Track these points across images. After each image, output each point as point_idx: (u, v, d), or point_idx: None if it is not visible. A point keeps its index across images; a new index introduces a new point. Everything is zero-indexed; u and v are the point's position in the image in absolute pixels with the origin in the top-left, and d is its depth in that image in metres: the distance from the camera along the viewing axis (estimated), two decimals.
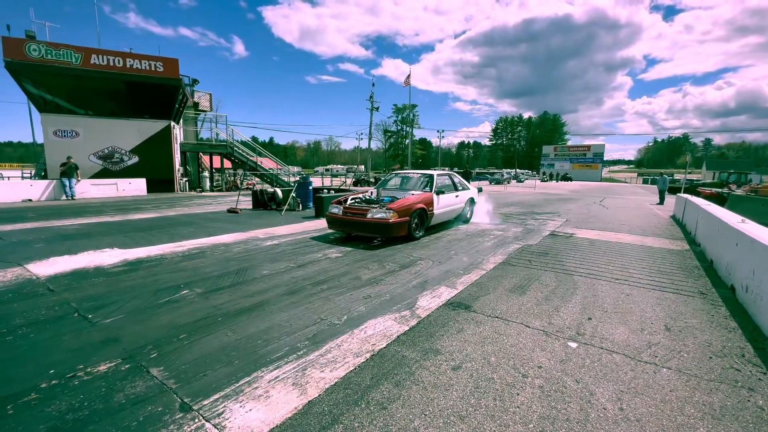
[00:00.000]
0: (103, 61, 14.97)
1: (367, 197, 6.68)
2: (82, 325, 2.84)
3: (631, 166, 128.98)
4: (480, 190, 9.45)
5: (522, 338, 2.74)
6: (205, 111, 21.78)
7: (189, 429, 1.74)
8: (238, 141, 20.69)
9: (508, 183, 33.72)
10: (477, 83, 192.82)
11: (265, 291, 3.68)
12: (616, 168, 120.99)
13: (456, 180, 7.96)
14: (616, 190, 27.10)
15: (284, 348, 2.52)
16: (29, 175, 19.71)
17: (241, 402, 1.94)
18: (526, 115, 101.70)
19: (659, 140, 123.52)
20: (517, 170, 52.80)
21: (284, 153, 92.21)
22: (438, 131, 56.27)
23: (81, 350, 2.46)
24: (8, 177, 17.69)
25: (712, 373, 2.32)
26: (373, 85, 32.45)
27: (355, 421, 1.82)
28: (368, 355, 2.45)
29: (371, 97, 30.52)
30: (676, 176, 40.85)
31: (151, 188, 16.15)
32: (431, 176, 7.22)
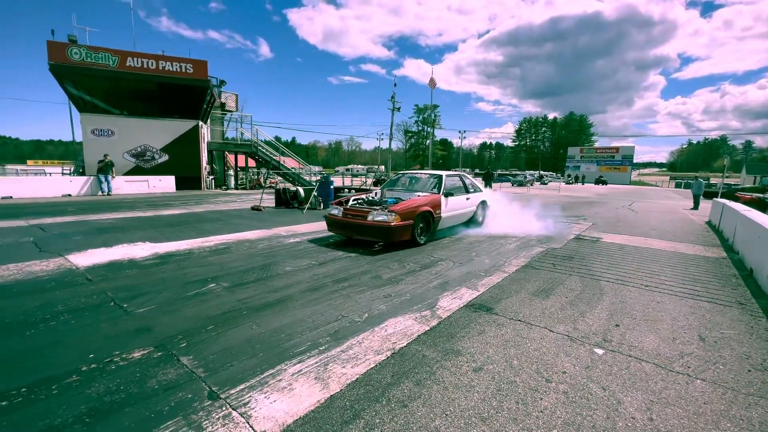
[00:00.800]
0: (137, 64, 15.68)
1: (370, 198, 6.40)
2: (117, 314, 3.00)
3: (663, 169, 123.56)
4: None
5: (545, 342, 2.68)
6: (231, 111, 22.41)
7: (217, 416, 1.80)
8: (262, 140, 21.18)
9: (531, 185, 32.98)
10: (500, 83, 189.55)
11: (288, 287, 3.76)
12: (646, 171, 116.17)
13: (467, 181, 7.51)
14: (647, 194, 26.01)
15: (307, 343, 2.57)
16: (69, 171, 20.89)
17: (265, 393, 2.00)
18: (551, 116, 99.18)
19: (694, 142, 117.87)
20: (541, 172, 51.54)
21: (306, 153, 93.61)
22: (459, 132, 55.63)
23: (117, 337, 2.59)
24: (50, 173, 18.80)
25: (750, 387, 2.20)
26: (395, 85, 32.47)
27: (377, 417, 1.84)
28: (389, 353, 2.46)
29: (393, 97, 30.55)
30: (712, 180, 38.81)
31: (179, 185, 16.77)
32: (440, 177, 6.78)
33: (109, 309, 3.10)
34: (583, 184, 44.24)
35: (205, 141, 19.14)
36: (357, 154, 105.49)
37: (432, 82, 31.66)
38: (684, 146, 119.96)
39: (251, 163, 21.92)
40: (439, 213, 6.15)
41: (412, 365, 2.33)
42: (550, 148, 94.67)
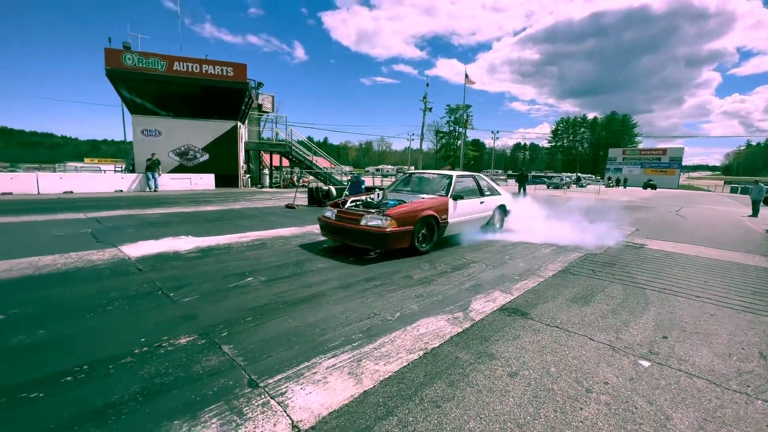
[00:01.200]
0: (183, 68, 16.60)
1: (369, 200, 5.77)
2: (165, 302, 3.19)
3: (716, 172, 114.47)
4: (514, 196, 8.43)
5: (585, 351, 2.57)
6: (267, 112, 23.20)
7: (256, 403, 1.88)
8: (295, 141, 21.79)
9: (568, 187, 31.63)
10: (536, 82, 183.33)
11: (321, 283, 3.85)
12: (696, 174, 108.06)
13: (483, 183, 6.80)
14: (697, 199, 24.21)
15: (340, 338, 2.62)
16: (120, 169, 22.50)
17: (301, 384, 2.06)
18: (590, 116, 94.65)
19: (753, 143, 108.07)
20: (579, 174, 49.29)
21: (337, 153, 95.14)
22: (492, 132, 54.48)
23: (165, 324, 2.77)
24: (105, 170, 20.34)
25: None
26: (428, 85, 32.28)
27: (410, 415, 1.85)
28: (421, 353, 2.46)
29: (425, 97, 30.37)
30: None
31: (218, 183, 17.59)
32: (449, 178, 6.17)
33: (157, 297, 3.31)
34: (624, 187, 41.85)
35: (243, 141, 19.93)
36: (387, 155, 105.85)
37: (468, 79, 31.13)
38: (741, 148, 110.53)
39: (285, 162, 22.60)
40: (446, 218, 5.54)
41: (445, 366, 2.31)
42: (589, 150, 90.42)
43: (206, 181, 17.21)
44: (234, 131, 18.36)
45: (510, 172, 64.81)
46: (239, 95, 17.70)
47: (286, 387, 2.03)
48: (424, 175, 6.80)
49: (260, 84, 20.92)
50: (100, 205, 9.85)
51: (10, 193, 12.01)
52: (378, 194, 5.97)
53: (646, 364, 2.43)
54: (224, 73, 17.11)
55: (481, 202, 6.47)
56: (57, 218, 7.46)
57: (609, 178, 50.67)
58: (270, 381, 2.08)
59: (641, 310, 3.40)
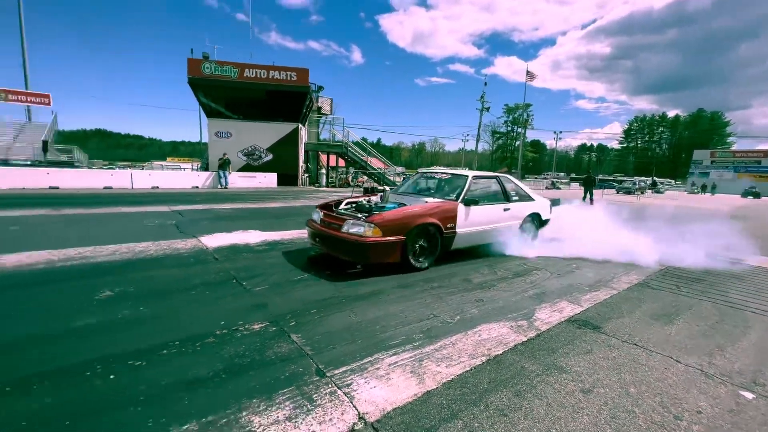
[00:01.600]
0: (252, 74, 17.90)
1: (364, 202, 4.98)
2: (239, 290, 3.48)
3: None
4: (555, 202, 6.55)
5: (671, 374, 2.32)
6: (325, 114, 24.15)
7: (324, 391, 1.97)
8: (351, 141, 22.41)
9: (642, 193, 28.67)
10: (606, 78, 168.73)
11: (379, 281, 3.92)
12: None
13: (509, 187, 5.59)
14: None
15: (400, 337, 2.65)
16: (196, 167, 24.88)
17: (365, 378, 2.12)
18: (671, 114, 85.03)
19: None
20: (655, 178, 44.46)
21: (390, 153, 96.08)
22: (554, 132, 51.25)
23: (240, 310, 3.01)
24: (184, 169, 22.64)
25: None
26: (486, 84, 31.34)
27: (475, 420, 1.81)
28: (484, 359, 2.40)
29: (482, 96, 29.53)
30: None
31: (280, 182, 18.68)
32: (464, 179, 5.16)
33: (232, 285, 3.61)
34: (713, 194, 36.94)
35: (303, 142, 20.96)
36: (440, 156, 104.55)
37: (530, 75, 29.67)
38: None
39: (341, 162, 23.33)
40: (453, 227, 4.59)
41: (510, 375, 2.23)
42: (668, 151, 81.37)
43: (269, 180, 18.37)
44: (295, 133, 19.38)
45: (573, 175, 60.49)
46: (301, 98, 18.65)
47: (351, 379, 2.10)
48: (435, 175, 5.90)
49: (320, 87, 21.84)
50: (180, 199, 10.99)
51: (111, 188, 13.89)
52: (381, 196, 5.21)
53: (749, 395, 2.13)
54: (288, 78, 18.14)
55: (506, 209, 5.34)
56: (147, 210, 8.47)
57: (693, 184, 44.99)
58: (336, 372, 2.17)
59: (740, 333, 2.99)
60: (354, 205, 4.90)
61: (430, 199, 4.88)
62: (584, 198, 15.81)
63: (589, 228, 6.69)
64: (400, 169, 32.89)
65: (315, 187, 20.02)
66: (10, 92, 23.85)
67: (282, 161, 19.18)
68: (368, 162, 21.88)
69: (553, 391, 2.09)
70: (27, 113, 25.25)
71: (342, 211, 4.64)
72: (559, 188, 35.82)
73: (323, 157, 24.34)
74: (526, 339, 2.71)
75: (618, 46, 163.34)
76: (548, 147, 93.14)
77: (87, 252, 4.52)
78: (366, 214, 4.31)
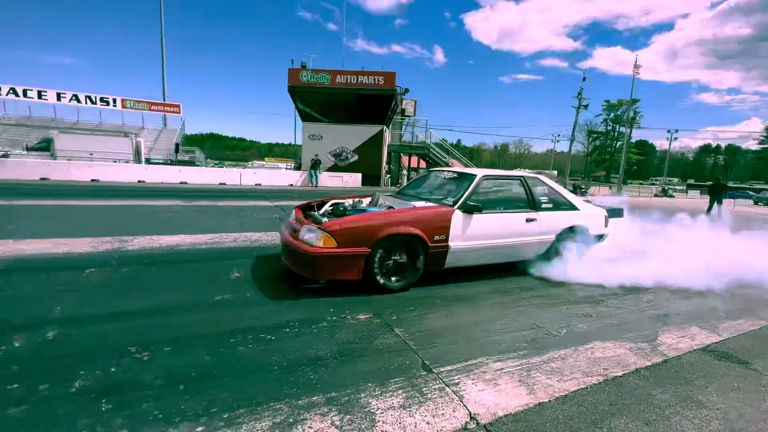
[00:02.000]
0: (343, 80, 19.05)
1: (346, 205, 4.28)
2: None
3: None
4: (616, 213, 4.99)
5: None
6: (409, 116, 24.52)
7: (434, 387, 2.04)
8: (433, 143, 22.39)
9: None
10: (741, 65, 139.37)
11: (474, 284, 3.87)
12: None
13: (538, 191, 4.36)
14: None
15: (503, 343, 2.59)
16: (290, 167, 27.39)
17: (472, 380, 2.13)
18: None
19: None
20: None
21: (470, 155, 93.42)
22: (668, 131, 44.01)
23: (347, 300, 3.25)
24: (280, 168, 25.11)
25: None
26: (584, 79, 28.29)
27: None
28: (600, 378, 2.22)
29: (579, 93, 26.85)
30: None
31: (364, 182, 19.53)
32: (470, 179, 4.14)
33: None
34: None
35: (386, 144, 21.59)
36: (525, 157, 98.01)
37: (636, 67, 26.15)
38: None
39: (422, 164, 23.44)
40: (445, 240, 3.64)
41: (634, 400, 2.03)
42: None
43: (354, 180, 19.34)
44: (380, 135, 20.07)
45: (691, 182, 51.67)
46: (388, 101, 19.26)
47: (458, 379, 2.13)
48: (441, 173, 4.90)
49: (406, 90, 22.22)
50: (280, 195, 12.24)
51: (224, 183, 16.09)
52: (379, 198, 4.52)
53: None
54: (375, 82, 18.87)
55: (530, 220, 4.15)
56: (255, 204, 9.62)
57: None
58: (442, 369, 2.21)
59: None
60: (337, 208, 4.10)
61: (420, 204, 4.01)
62: (709, 210, 13.33)
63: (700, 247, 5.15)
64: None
65: (396, 188, 20.48)
66: (153, 104, 29.23)
67: (366, 162, 20.03)
68: (449, 163, 21.60)
69: (693, 426, 1.84)
70: (164, 120, 30.62)
71: (314, 214, 3.90)
72: (673, 196, 30.86)
73: (404, 159, 24.75)
74: (650, 364, 2.43)
75: (761, 25, 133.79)
76: (657, 148, 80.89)
77: (216, 238, 5.33)
78: (327, 220, 3.58)
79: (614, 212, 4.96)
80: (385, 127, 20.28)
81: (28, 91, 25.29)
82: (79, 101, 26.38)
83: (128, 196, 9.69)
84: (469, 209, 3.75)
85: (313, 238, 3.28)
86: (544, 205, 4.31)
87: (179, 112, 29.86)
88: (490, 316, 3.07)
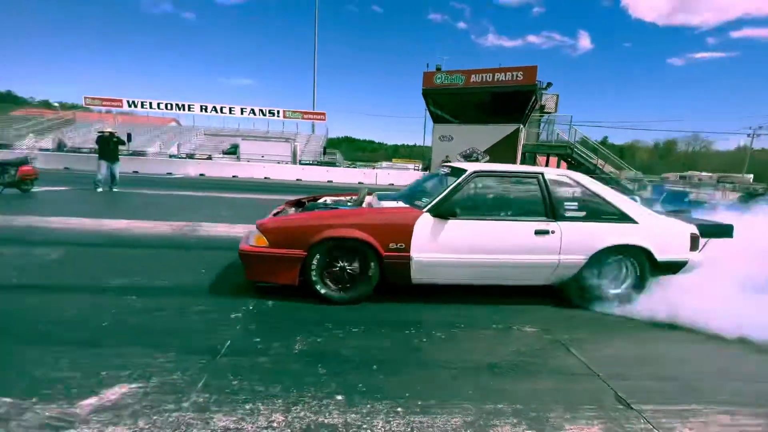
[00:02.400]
0: (478, 79, 18.55)
1: (329, 201, 4.12)
2: None
3: None
4: (718, 231, 3.42)
5: None
6: (549, 112, 22.33)
7: (637, 426, 1.77)
8: (577, 141, 19.86)
9: None
10: None
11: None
12: None
13: (560, 192, 3.26)
14: None
15: (724, 393, 2.09)
16: (417, 168, 28.33)
17: (688, 427, 1.77)
18: None
19: None
20: None
21: (620, 153, 79.33)
22: None
23: (504, 310, 3.15)
24: (410, 169, 26.22)
25: None
26: None
27: None
28: None
29: None
30: None
31: None
32: (457, 174, 3.34)
33: None
34: None
35: (521, 143, 20.16)
36: (700, 156, 77.63)
37: None
38: None
39: (563, 165, 21.07)
40: (404, 249, 3.00)
41: None
42: None
43: None
44: (515, 134, 18.81)
45: None
46: (526, 98, 17.91)
47: (670, 423, 1.80)
48: (442, 170, 4.16)
49: (549, 84, 20.27)
50: None
51: (362, 183, 17.70)
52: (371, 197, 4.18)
53: None
54: (514, 78, 17.74)
55: (541, 232, 3.10)
56: None
57: None
58: (645, 408, 1.91)
59: None
60: (309, 204, 4.03)
61: (390, 204, 3.50)
62: None
63: None
64: (630, 174, 26.47)
65: None
66: (305, 113, 34.22)
67: (498, 163, 19.11)
68: (598, 165, 18.81)
69: None
70: (312, 127, 35.57)
71: (296, 210, 3.71)
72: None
73: (541, 159, 22.67)
74: None
75: None
76: None
77: None
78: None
79: (715, 230, 3.47)
80: (521, 126, 18.94)
81: (223, 108, 33.04)
82: (254, 114, 33.03)
83: (293, 192, 11.61)
84: (442, 213, 3.06)
85: (251, 237, 3.13)
86: (569, 213, 3.22)
87: (324, 119, 34.28)
88: (697, 354, 2.53)
